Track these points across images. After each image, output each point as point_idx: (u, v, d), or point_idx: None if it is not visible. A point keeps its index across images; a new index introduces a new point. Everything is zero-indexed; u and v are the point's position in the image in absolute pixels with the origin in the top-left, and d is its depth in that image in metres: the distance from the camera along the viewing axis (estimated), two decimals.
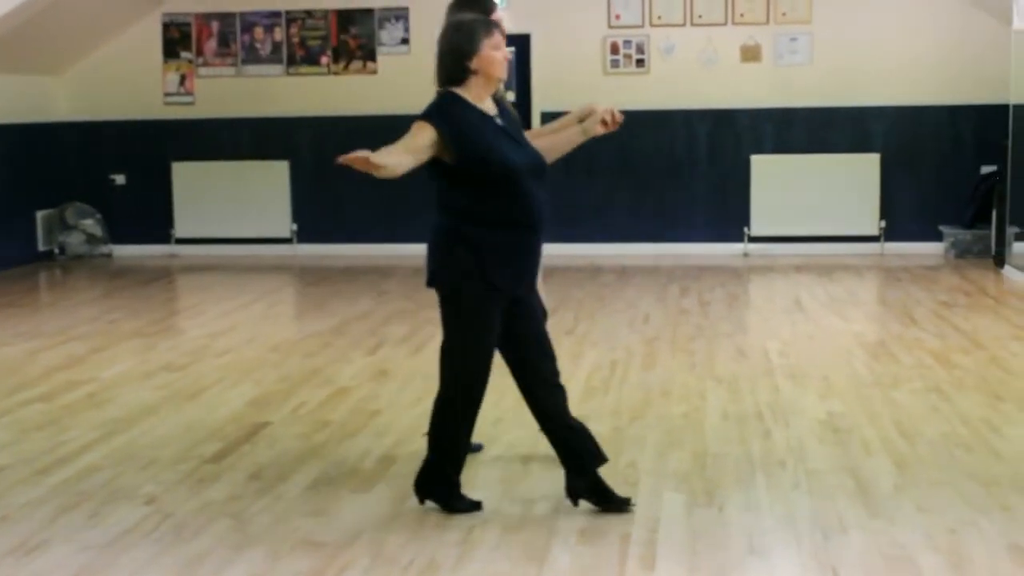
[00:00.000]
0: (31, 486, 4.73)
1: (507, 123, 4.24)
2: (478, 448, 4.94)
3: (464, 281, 4.13)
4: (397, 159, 4.00)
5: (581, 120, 4.49)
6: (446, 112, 4.11)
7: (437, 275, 4.21)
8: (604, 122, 4.38)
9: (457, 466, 4.34)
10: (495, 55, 4.12)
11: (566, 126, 4.55)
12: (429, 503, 4.36)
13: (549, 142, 4.42)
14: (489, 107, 4.21)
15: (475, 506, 4.34)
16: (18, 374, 6.77)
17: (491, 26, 4.15)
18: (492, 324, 4.18)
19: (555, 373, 4.31)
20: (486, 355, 4.22)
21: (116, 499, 4.55)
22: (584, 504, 4.31)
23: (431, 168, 4.15)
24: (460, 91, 4.15)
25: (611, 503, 4.29)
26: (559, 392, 4.30)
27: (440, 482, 4.32)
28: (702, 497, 4.47)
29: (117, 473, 4.88)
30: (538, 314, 4.35)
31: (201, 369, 6.82)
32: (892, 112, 11.30)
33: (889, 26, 11.21)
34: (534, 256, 4.26)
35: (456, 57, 4.12)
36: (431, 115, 4.10)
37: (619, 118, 4.40)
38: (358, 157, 3.81)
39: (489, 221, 4.11)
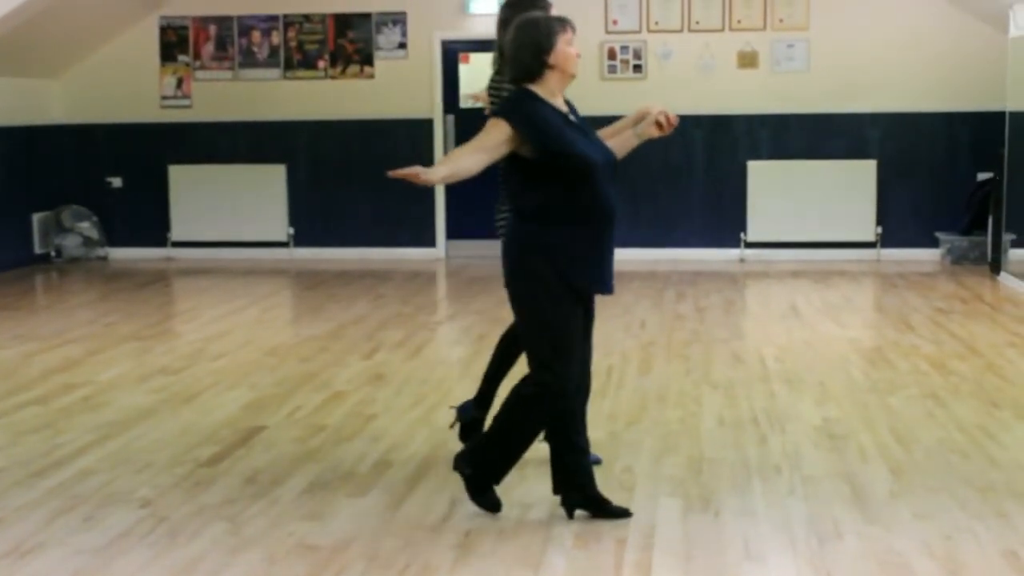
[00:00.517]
0: (26, 489, 4.72)
1: (578, 120, 4.25)
2: (596, 461, 4.72)
3: (542, 286, 4.09)
4: (467, 162, 4.02)
5: (637, 123, 4.45)
6: (522, 108, 4.10)
7: (513, 282, 4.19)
8: (659, 124, 4.35)
9: (503, 468, 4.31)
10: (569, 51, 4.14)
11: (621, 130, 4.51)
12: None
13: (610, 145, 4.38)
14: (561, 104, 4.22)
15: (495, 507, 4.31)
16: (14, 377, 6.76)
17: (565, 23, 4.17)
18: (577, 324, 4.14)
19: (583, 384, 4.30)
20: (574, 356, 4.14)
21: (111, 502, 4.54)
22: (580, 511, 4.31)
23: (508, 165, 4.15)
24: (534, 87, 4.15)
25: (608, 514, 4.28)
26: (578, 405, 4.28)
27: (486, 471, 4.30)
28: (698, 502, 4.47)
29: (112, 476, 4.87)
30: (591, 322, 4.31)
31: (197, 373, 6.82)
32: (889, 119, 11.31)
33: (886, 33, 11.22)
34: (608, 253, 4.20)
35: (535, 52, 4.11)
36: (506, 111, 4.10)
37: (674, 120, 4.36)
38: (409, 173, 3.82)
39: (564, 219, 4.08)
